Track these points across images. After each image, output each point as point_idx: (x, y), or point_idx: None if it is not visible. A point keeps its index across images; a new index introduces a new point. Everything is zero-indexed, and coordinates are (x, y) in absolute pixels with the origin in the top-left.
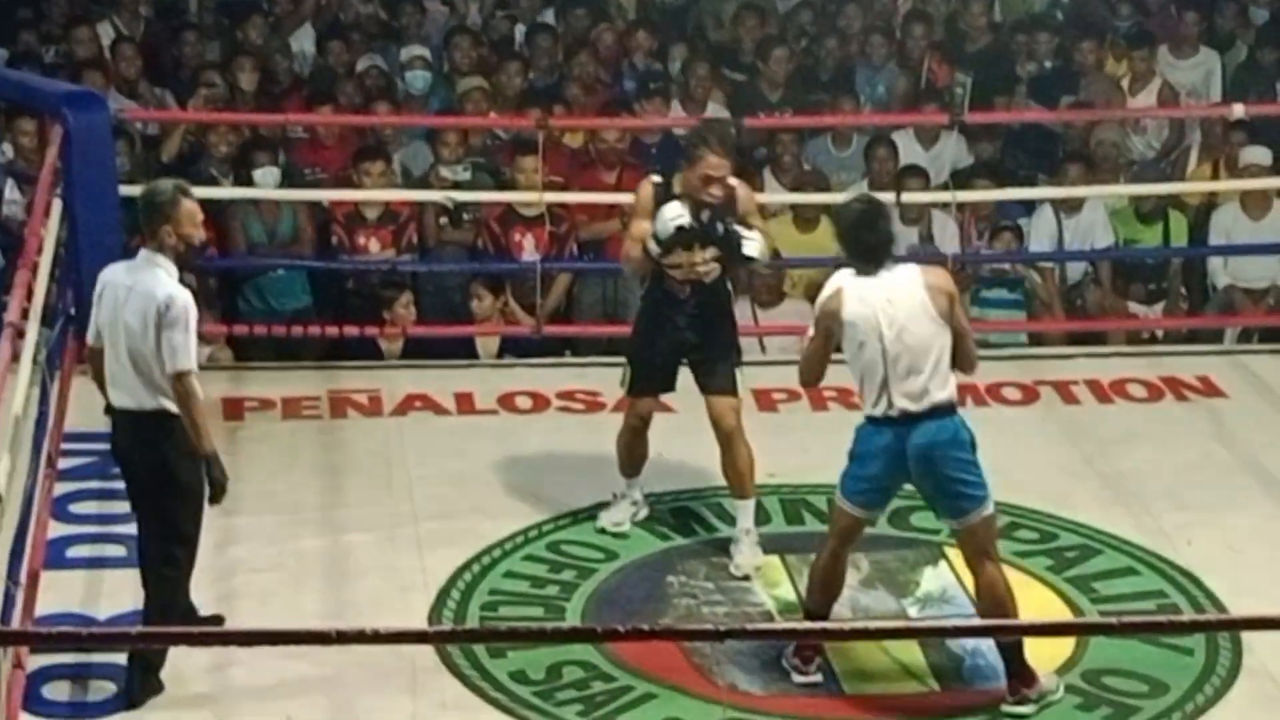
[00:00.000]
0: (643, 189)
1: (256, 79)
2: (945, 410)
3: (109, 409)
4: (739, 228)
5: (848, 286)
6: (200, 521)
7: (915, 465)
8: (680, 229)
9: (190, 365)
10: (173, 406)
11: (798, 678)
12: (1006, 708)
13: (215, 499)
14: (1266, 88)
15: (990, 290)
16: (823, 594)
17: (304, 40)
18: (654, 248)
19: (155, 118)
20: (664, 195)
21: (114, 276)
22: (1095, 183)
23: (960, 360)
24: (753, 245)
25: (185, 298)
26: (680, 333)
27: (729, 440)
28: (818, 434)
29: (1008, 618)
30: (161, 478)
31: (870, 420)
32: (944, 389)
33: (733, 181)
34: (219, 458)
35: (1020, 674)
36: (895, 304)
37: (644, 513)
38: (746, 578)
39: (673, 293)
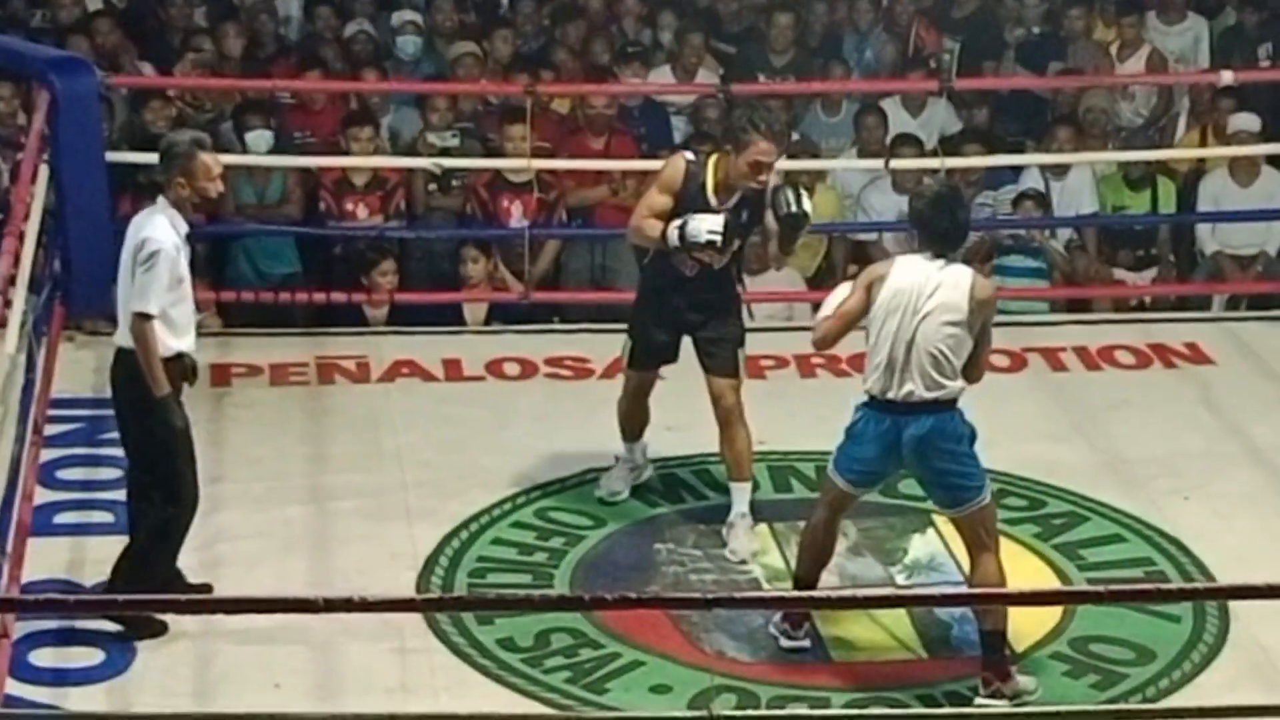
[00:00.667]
0: (674, 164)
1: (242, 44)
2: (946, 404)
3: None
4: (786, 191)
5: (903, 258)
6: (181, 473)
7: (909, 455)
8: (710, 244)
9: (146, 308)
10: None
11: (786, 643)
12: (981, 700)
13: (168, 443)
14: (1250, 52)
15: (1010, 257)
16: (813, 562)
17: (290, 4)
18: (675, 240)
19: (143, 83)
20: (696, 176)
21: (133, 220)
22: (1083, 149)
23: (970, 368)
24: (806, 199)
25: (165, 244)
26: (683, 313)
27: (728, 420)
28: (805, 401)
29: (997, 615)
30: (136, 416)
31: (871, 400)
32: (952, 386)
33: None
34: (172, 402)
35: (997, 666)
36: (934, 298)
37: (647, 473)
38: (744, 563)
39: (678, 271)
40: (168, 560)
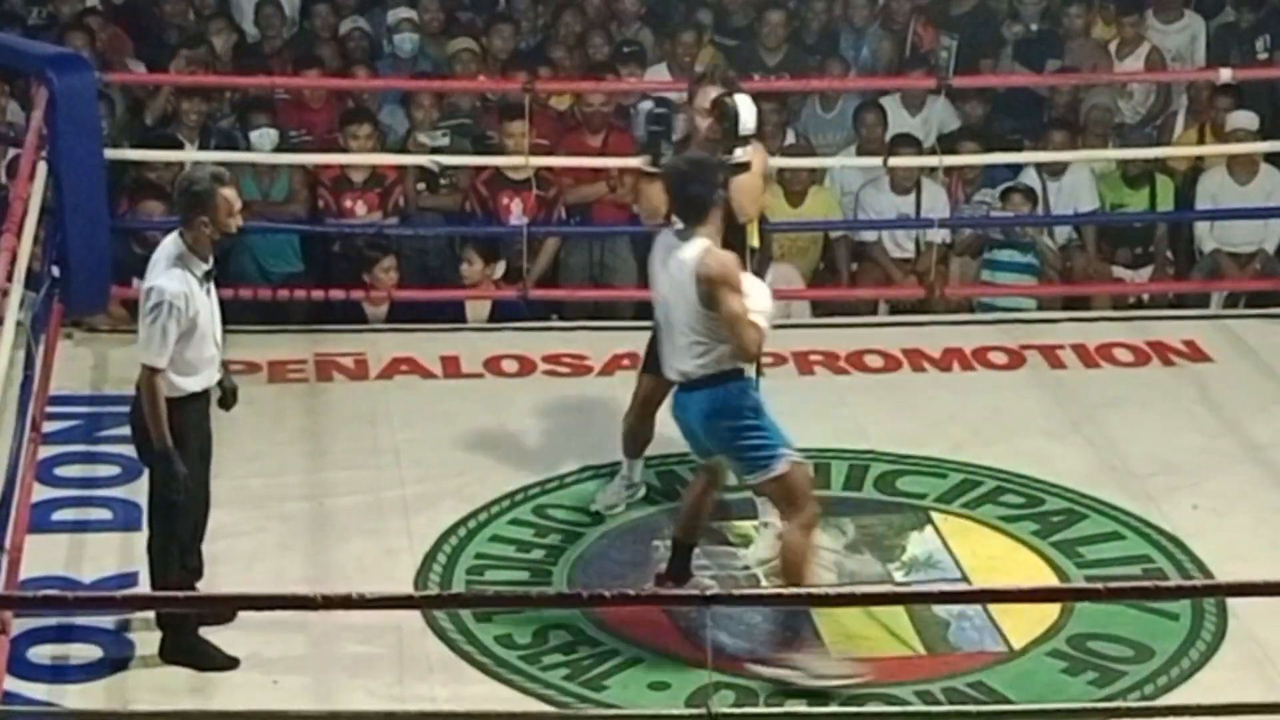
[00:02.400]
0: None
1: (232, 41)
2: (702, 383)
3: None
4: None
5: (659, 238)
6: (180, 493)
7: (687, 435)
8: (652, 113)
9: (148, 360)
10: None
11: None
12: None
13: (166, 490)
14: (1245, 48)
15: (1001, 252)
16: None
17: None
18: (641, 129)
19: (140, 80)
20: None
21: (154, 254)
22: (1082, 147)
23: (734, 343)
24: (747, 110)
25: (168, 292)
26: None
27: None
28: (804, 397)
29: (792, 583)
30: (143, 450)
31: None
32: (699, 364)
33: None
34: (172, 453)
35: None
36: (671, 276)
37: (640, 493)
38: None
39: None
40: (176, 570)
